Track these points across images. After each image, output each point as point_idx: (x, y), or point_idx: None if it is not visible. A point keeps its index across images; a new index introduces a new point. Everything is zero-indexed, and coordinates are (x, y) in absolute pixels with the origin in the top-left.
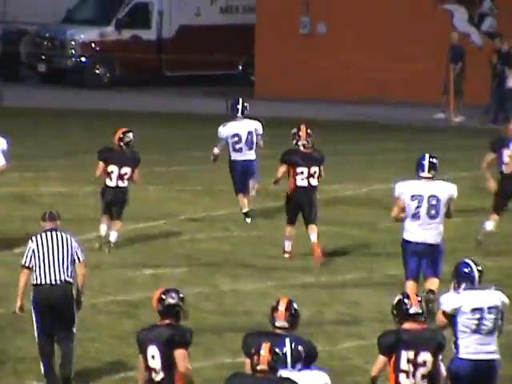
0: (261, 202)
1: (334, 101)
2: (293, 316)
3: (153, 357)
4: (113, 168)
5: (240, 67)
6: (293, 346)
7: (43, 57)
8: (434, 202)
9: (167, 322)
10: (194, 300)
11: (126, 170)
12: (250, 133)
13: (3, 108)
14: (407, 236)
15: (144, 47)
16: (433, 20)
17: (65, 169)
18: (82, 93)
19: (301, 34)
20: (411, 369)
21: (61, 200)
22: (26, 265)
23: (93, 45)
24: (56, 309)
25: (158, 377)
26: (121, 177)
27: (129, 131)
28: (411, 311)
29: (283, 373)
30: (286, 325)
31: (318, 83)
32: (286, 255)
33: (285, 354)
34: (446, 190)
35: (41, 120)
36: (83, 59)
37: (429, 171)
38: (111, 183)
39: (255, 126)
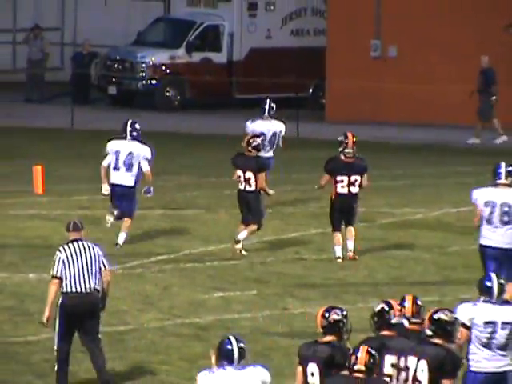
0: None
1: (404, 124)
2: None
3: (312, 374)
4: (239, 173)
5: (311, 90)
6: (239, 344)
7: (114, 79)
8: (506, 209)
9: (329, 339)
10: (263, 323)
11: (249, 174)
12: (274, 134)
13: (74, 130)
14: (483, 241)
15: (214, 70)
16: (504, 44)
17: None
18: (152, 115)
19: (371, 57)
20: (395, 373)
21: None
22: (58, 275)
23: (163, 67)
24: (83, 315)
25: None
26: (246, 181)
27: (256, 136)
28: (393, 321)
29: (228, 369)
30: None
31: (388, 106)
32: (339, 260)
33: (232, 351)
34: None
35: None
36: (153, 82)
37: (506, 178)
38: (241, 187)
39: (280, 127)
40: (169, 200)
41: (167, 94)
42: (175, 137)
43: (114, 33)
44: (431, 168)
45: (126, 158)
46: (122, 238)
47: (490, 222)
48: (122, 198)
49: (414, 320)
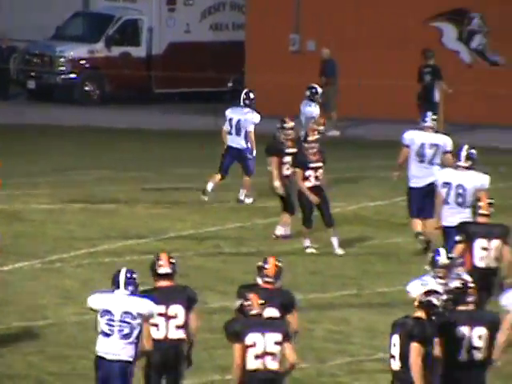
0: (250, 219)
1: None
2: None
3: (394, 345)
4: None
5: (230, 84)
6: (127, 274)
7: (32, 73)
8: (460, 191)
9: (418, 315)
10: None
11: None
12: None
13: None
14: (443, 221)
15: (133, 64)
16: (422, 37)
17: (54, 185)
18: (72, 109)
19: (290, 52)
20: (163, 321)
21: (50, 217)
22: None
23: (82, 61)
24: None
25: (396, 365)
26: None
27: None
28: (160, 271)
29: (117, 292)
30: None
31: None
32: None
33: (119, 279)
34: (473, 180)
35: (30, 137)
36: (73, 76)
37: (465, 161)
38: None
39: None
40: (88, 194)
41: (86, 88)
42: (95, 131)
43: (33, 27)
44: (350, 162)
45: (236, 123)
46: (242, 194)
47: (446, 202)
48: (235, 159)
49: (266, 279)
